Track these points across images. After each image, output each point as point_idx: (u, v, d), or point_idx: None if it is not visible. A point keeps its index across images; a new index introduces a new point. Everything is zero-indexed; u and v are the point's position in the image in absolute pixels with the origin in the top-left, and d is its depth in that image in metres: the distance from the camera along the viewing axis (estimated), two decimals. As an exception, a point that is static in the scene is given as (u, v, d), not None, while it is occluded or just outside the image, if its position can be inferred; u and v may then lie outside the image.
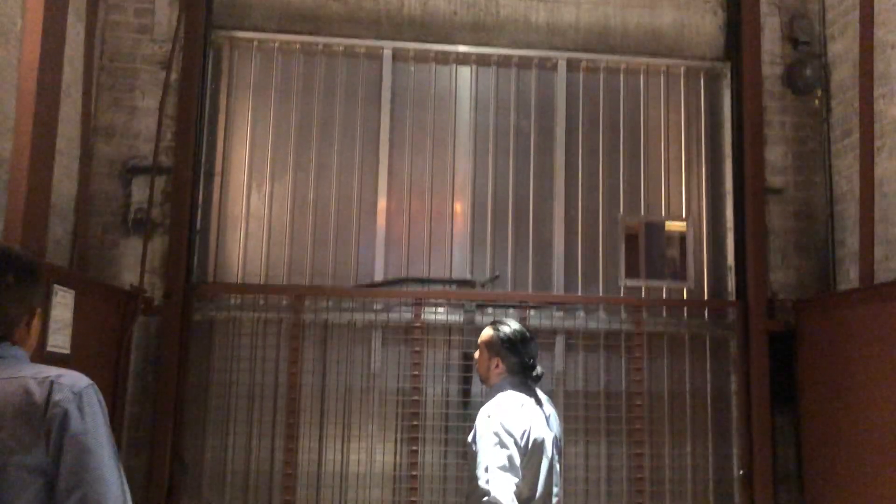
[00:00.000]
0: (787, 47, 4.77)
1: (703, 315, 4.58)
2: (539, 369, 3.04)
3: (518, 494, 2.75)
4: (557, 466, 2.98)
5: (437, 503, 4.20)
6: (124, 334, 3.98)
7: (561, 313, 4.45)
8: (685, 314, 4.57)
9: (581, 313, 4.46)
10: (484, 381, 3.14)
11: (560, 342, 4.44)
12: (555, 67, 4.68)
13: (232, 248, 4.42)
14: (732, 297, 4.53)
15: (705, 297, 4.59)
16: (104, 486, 1.61)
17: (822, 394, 4.16)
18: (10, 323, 1.75)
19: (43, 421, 1.57)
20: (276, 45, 4.57)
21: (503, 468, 2.73)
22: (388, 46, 4.58)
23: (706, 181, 4.71)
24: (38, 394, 1.60)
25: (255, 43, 4.56)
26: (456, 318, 4.38)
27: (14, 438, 1.55)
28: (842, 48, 4.62)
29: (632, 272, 4.54)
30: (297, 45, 4.57)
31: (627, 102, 4.71)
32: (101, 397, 1.70)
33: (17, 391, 1.60)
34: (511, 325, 3.08)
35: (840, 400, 3.99)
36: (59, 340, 3.21)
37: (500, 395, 2.95)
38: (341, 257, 4.44)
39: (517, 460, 2.77)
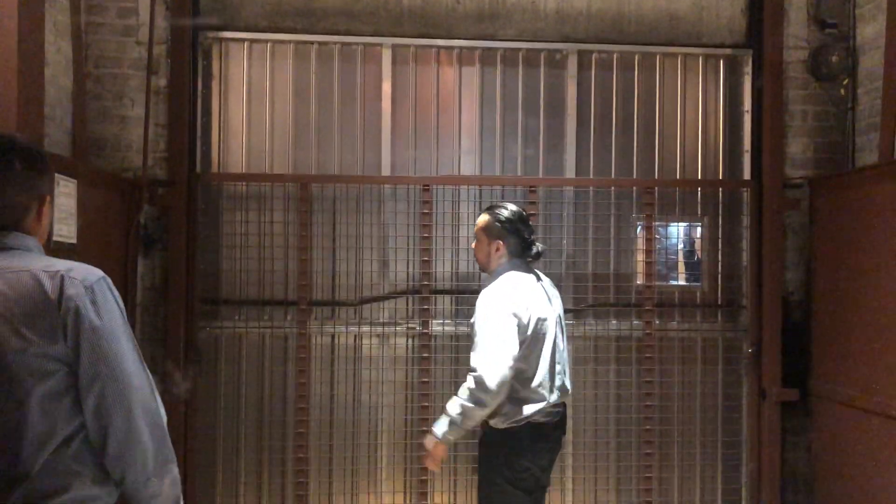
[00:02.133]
0: (814, 30, 4.45)
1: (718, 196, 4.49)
2: (539, 246, 3.13)
3: (521, 372, 2.91)
4: (562, 345, 3.12)
5: (448, 382, 4.21)
6: (131, 224, 4.02)
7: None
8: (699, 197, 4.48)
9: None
10: (484, 267, 3.24)
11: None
12: (565, 61, 4.40)
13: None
14: (746, 304, 4.44)
15: (719, 301, 4.48)
16: (125, 375, 1.65)
17: (838, 273, 4.08)
18: (21, 211, 1.76)
19: (58, 315, 1.60)
20: (269, 45, 4.31)
21: (497, 349, 2.84)
22: (387, 43, 4.31)
23: (723, 178, 4.51)
24: (51, 288, 1.62)
25: (246, 44, 4.30)
26: (465, 205, 4.34)
27: (31, 330, 1.58)
28: (873, 32, 4.31)
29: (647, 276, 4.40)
30: (291, 45, 4.31)
31: (642, 96, 4.45)
32: (115, 289, 1.75)
33: (29, 283, 1.62)
34: (508, 207, 3.16)
35: (855, 279, 3.91)
36: (65, 230, 3.24)
37: (501, 277, 3.05)
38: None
39: (514, 340, 2.87)
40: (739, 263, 4.47)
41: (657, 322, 4.34)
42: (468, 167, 4.40)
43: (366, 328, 4.29)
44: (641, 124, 4.45)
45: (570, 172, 4.41)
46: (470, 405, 2.86)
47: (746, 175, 4.46)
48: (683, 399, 4.39)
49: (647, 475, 4.32)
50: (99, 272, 1.73)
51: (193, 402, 4.15)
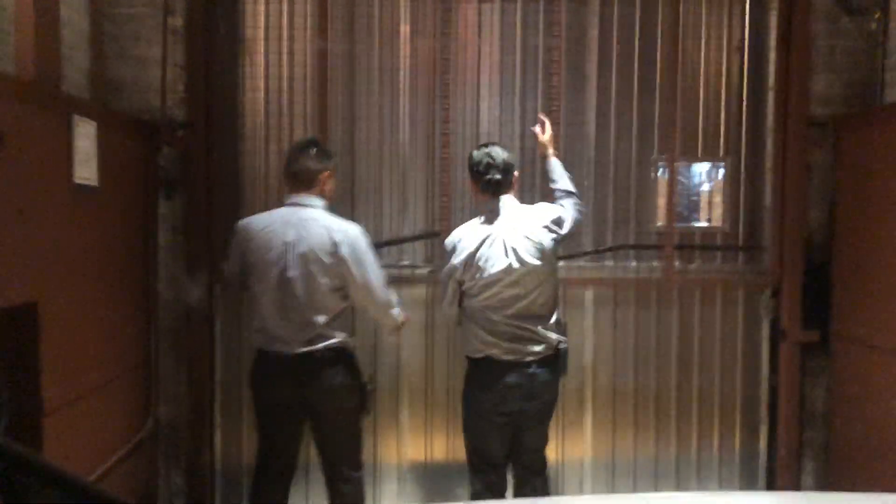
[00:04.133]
0: (846, -39, 4.32)
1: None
2: (491, 175, 3.40)
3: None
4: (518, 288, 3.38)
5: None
6: (151, 166, 4.04)
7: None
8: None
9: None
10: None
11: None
12: (586, -2, 4.33)
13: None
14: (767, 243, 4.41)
15: (740, 243, 4.47)
16: (369, 280, 3.28)
17: (861, 213, 4.04)
18: (313, 174, 3.32)
19: (336, 252, 3.20)
20: (286, -18, 4.25)
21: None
22: (405, -20, 4.24)
23: (746, 118, 4.43)
24: (333, 238, 3.19)
25: (263, -19, 4.25)
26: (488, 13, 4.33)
27: (322, 254, 3.19)
28: (907, -38, 4.18)
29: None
30: (308, -18, 4.26)
31: (666, 32, 4.34)
32: (366, 236, 3.32)
33: (323, 235, 3.20)
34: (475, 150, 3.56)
35: (879, 220, 3.87)
36: (86, 173, 3.23)
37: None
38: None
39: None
40: (761, 204, 4.43)
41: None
42: (486, 117, 4.36)
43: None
44: (665, 62, 4.36)
45: (590, 114, 4.37)
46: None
47: (770, 115, 4.38)
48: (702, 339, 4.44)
49: (666, 415, 4.38)
50: (356, 228, 3.29)
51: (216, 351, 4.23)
